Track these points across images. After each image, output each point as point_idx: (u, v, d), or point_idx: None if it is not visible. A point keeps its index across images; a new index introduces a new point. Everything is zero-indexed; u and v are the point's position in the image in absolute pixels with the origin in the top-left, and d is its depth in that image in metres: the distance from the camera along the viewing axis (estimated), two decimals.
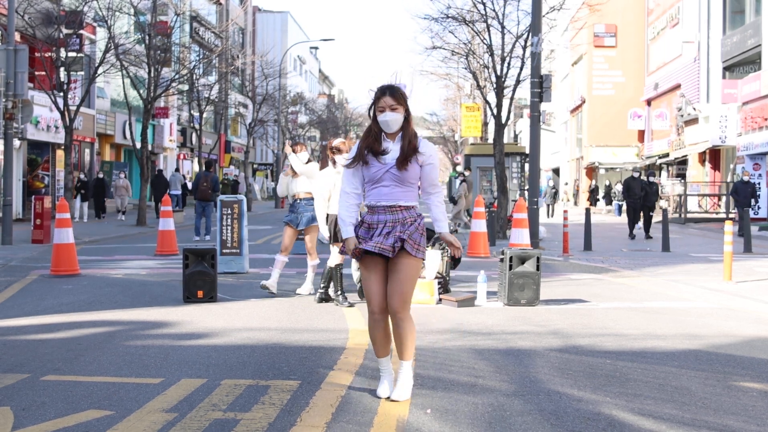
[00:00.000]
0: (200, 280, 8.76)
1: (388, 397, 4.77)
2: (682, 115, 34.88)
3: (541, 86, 15.75)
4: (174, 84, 28.01)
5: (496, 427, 4.30)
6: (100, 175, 28.03)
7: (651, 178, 20.96)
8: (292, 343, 6.52)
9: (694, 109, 33.27)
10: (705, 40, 33.43)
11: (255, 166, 57.35)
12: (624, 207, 32.38)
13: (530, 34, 16.61)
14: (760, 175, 27.32)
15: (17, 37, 20.03)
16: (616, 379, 5.40)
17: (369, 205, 4.72)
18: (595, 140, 45.05)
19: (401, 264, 4.64)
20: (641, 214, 20.52)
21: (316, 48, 79.52)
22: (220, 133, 46.09)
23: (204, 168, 20.09)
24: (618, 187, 34.36)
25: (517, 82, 19.81)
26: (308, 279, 9.54)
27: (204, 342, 6.62)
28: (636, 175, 20.76)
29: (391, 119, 4.58)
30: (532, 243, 14.13)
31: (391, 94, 4.59)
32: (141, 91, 25.66)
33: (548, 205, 35.36)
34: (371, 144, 4.66)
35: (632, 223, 20.50)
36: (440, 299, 8.86)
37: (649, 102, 42.38)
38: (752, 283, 10.61)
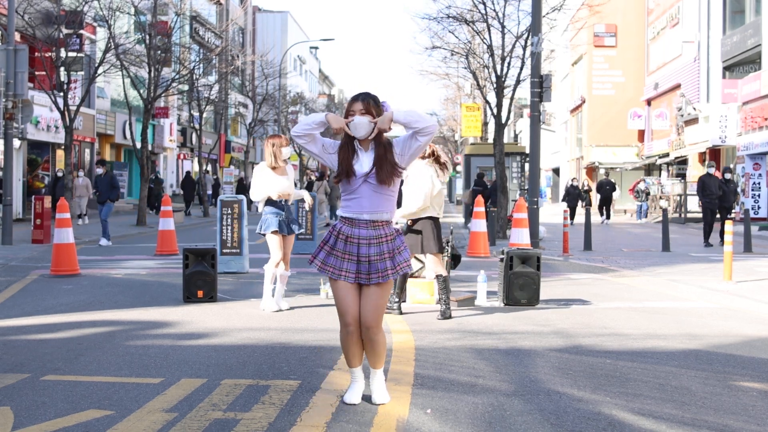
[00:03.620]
0: (200, 280, 8.76)
1: (370, 401, 4.72)
2: (682, 115, 34.87)
3: (541, 86, 15.75)
4: (174, 84, 28.00)
5: (497, 427, 4.30)
6: (59, 174, 24.75)
7: (727, 175, 18.23)
8: (292, 343, 6.52)
9: (694, 108, 33.26)
10: (705, 39, 33.43)
11: (255, 166, 57.28)
12: (641, 208, 31.84)
13: (530, 34, 16.60)
14: (760, 174, 27.32)
15: (17, 37, 20.02)
16: (617, 379, 5.40)
17: (348, 217, 4.61)
18: (595, 140, 45.05)
19: (381, 284, 4.60)
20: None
21: (316, 48, 79.48)
22: (220, 133, 46.09)
23: (101, 168, 17.66)
24: (641, 186, 31.55)
25: (517, 82, 19.81)
26: (279, 292, 8.38)
27: (204, 342, 6.62)
28: (711, 171, 17.86)
29: (359, 122, 4.51)
30: (532, 243, 14.12)
31: (361, 100, 4.57)
32: (141, 91, 25.65)
33: (572, 208, 29.12)
34: (349, 157, 4.59)
35: (709, 227, 17.51)
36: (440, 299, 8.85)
37: (649, 102, 42.37)
38: (752, 283, 10.60)
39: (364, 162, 4.58)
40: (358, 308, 4.61)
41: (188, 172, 33.94)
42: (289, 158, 8.47)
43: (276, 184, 8.27)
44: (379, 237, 4.58)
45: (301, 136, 4.60)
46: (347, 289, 4.59)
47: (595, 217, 32.96)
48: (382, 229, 4.60)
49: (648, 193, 31.40)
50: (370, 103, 4.56)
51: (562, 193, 38.20)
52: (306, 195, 8.95)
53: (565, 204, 30.36)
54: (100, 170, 17.58)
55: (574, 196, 29.38)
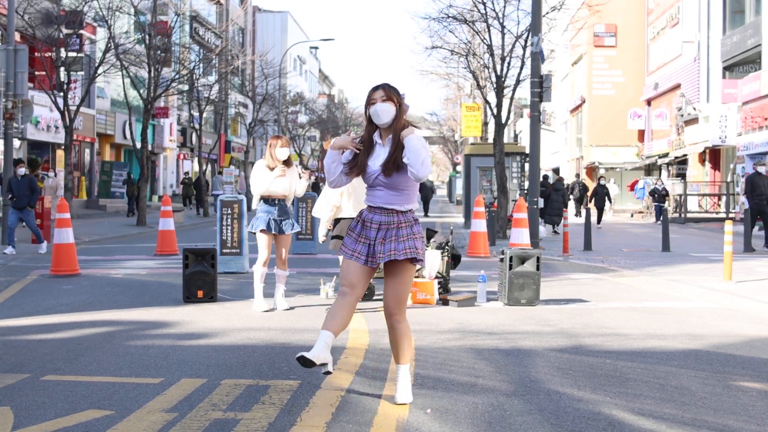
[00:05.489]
0: (200, 280, 8.76)
1: (393, 400, 4.73)
2: (682, 115, 34.87)
3: (541, 86, 15.74)
4: (174, 84, 28.00)
5: (496, 427, 4.30)
6: (22, 171, 16.90)
7: None
8: (292, 343, 6.52)
9: (694, 108, 33.27)
10: (705, 39, 33.44)
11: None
12: (659, 209, 30.72)
13: (530, 34, 16.61)
14: None
15: (17, 37, 20.02)
16: (616, 379, 5.40)
17: (369, 205, 4.74)
18: (595, 140, 45.05)
19: (399, 268, 4.63)
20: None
21: (316, 48, 79.51)
22: (220, 133, 46.09)
23: (23, 168, 15.43)
24: (658, 186, 29.87)
25: (517, 81, 19.81)
26: (278, 292, 8.40)
27: (204, 342, 6.62)
28: (761, 170, 16.77)
29: (381, 109, 4.57)
30: (532, 243, 14.11)
31: (382, 88, 4.64)
32: (141, 91, 25.66)
33: (600, 209, 26.84)
34: (364, 154, 4.67)
35: (752, 228, 16.44)
36: (440, 299, 8.86)
37: (649, 102, 42.38)
38: (752, 283, 10.60)
39: (380, 156, 4.65)
40: (359, 282, 4.64)
41: (202, 173, 33.83)
42: (289, 158, 8.37)
43: (267, 183, 8.24)
44: (390, 223, 4.64)
45: (335, 182, 4.74)
46: (352, 265, 4.65)
47: (609, 218, 32.97)
48: (395, 216, 4.65)
49: (665, 194, 29.59)
50: (390, 91, 4.64)
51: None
52: (300, 185, 8.51)
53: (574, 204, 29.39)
54: (22, 170, 15.16)
55: (602, 195, 26.76)
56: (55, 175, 24.62)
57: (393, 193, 4.63)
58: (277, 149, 8.23)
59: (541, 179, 23.03)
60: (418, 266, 4.76)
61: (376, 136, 4.68)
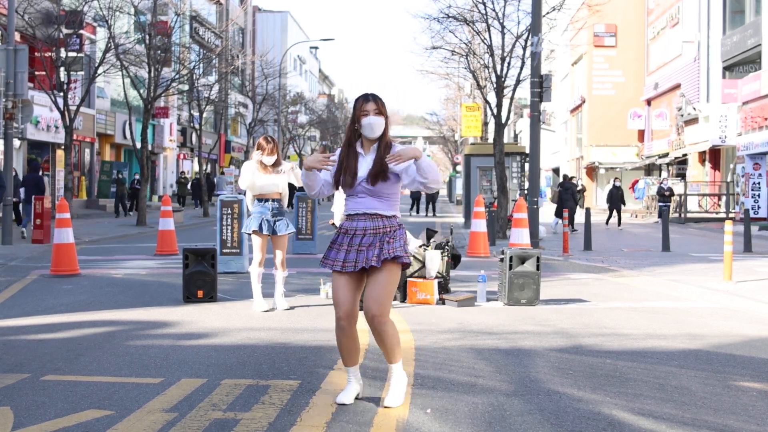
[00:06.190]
0: (200, 280, 8.76)
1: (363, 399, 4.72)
2: (682, 115, 34.87)
3: (541, 86, 15.74)
4: (174, 84, 27.99)
5: (496, 427, 4.30)
6: None
7: None
8: (292, 343, 6.52)
9: (694, 108, 33.27)
10: (705, 39, 33.45)
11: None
12: (663, 209, 29.93)
13: (530, 34, 16.61)
14: (760, 174, 27.31)
15: (17, 37, 20.02)
16: (616, 379, 5.40)
17: (347, 213, 4.70)
18: (595, 140, 45.05)
19: (380, 269, 4.56)
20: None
21: (316, 48, 79.54)
22: (220, 133, 46.10)
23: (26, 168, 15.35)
24: (663, 186, 28.37)
25: (517, 81, 19.82)
26: (278, 292, 8.42)
27: (204, 342, 6.63)
28: None
29: (375, 122, 4.59)
30: (532, 243, 14.11)
31: (373, 100, 4.65)
32: (141, 91, 25.66)
33: (616, 210, 26.10)
34: (354, 165, 4.65)
35: None
36: (440, 299, 8.86)
37: (649, 102, 42.38)
38: (752, 283, 10.60)
39: (362, 166, 4.64)
40: (353, 304, 4.61)
41: (208, 173, 33.70)
42: (277, 160, 8.21)
43: (250, 176, 8.15)
44: (375, 228, 4.62)
45: (317, 194, 4.83)
46: (341, 281, 4.62)
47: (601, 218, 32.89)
48: (380, 220, 4.64)
49: (671, 194, 28.62)
50: (381, 104, 4.67)
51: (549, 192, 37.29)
52: (293, 172, 8.42)
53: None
54: None
55: (617, 197, 25.82)
56: (43, 176, 24.56)
57: (376, 200, 4.63)
58: (255, 152, 8.18)
59: (560, 179, 23.91)
60: (405, 261, 4.68)
61: (358, 146, 4.68)
